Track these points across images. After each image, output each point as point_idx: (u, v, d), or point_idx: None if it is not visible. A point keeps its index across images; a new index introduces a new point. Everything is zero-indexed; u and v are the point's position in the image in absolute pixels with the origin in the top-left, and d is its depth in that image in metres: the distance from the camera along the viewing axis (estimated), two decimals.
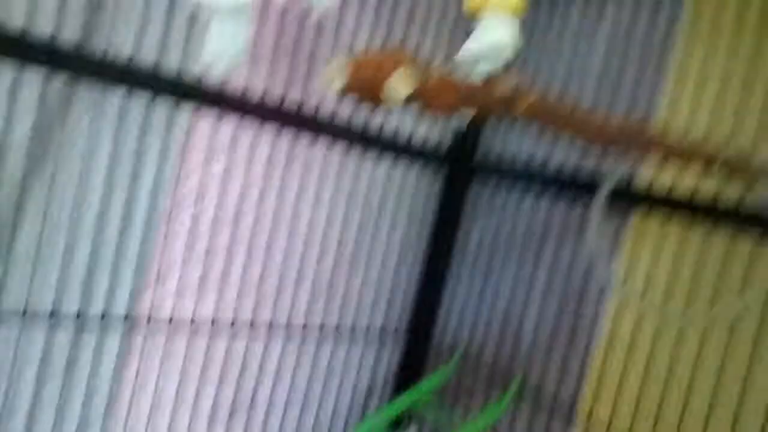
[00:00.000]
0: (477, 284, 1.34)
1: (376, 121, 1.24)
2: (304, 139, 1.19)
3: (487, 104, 0.54)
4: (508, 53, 0.74)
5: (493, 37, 0.71)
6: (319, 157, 1.22)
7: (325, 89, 0.56)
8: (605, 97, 1.18)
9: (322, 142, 1.21)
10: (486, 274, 1.33)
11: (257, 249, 1.18)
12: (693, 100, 1.06)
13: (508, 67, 0.71)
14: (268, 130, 1.15)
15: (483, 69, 0.73)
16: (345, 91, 0.46)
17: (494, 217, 1.33)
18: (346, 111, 1.20)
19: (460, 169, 1.36)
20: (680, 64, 1.09)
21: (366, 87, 0.47)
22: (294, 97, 1.16)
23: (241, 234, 1.16)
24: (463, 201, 1.37)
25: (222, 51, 0.61)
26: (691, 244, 1.03)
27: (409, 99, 0.49)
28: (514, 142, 1.30)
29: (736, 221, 0.96)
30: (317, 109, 1.17)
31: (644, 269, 1.09)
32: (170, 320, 1.11)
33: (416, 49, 1.28)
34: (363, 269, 1.31)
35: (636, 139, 0.72)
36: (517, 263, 1.27)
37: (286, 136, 1.17)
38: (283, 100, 1.14)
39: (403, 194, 1.33)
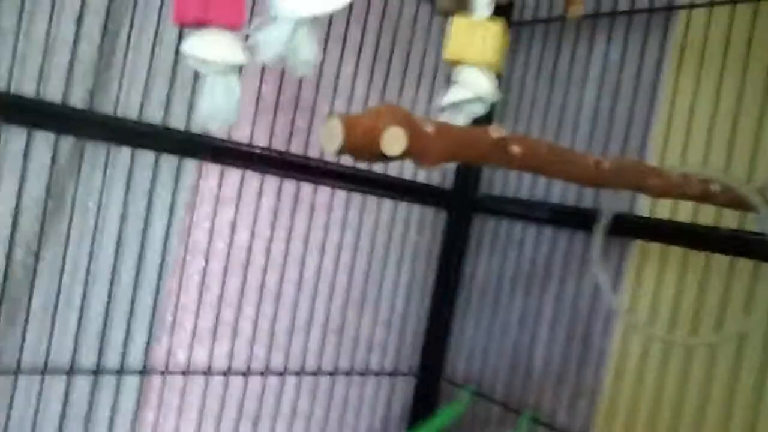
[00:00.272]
0: (485, 319, 1.35)
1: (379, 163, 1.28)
2: (309, 185, 1.22)
3: (480, 156, 0.57)
4: (486, 102, 0.77)
5: (471, 87, 0.74)
6: (324, 201, 1.24)
7: (324, 149, 0.58)
8: (599, 135, 1.20)
9: (327, 187, 1.24)
10: (493, 309, 1.34)
11: (267, 295, 1.21)
12: (684, 133, 1.09)
13: (494, 113, 0.74)
14: (273, 179, 1.18)
15: (463, 117, 0.76)
16: (342, 151, 0.49)
17: (498, 251, 1.35)
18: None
19: (462, 206, 1.38)
20: (670, 100, 1.12)
21: (361, 146, 0.50)
22: (297, 145, 1.19)
23: (250, 281, 1.19)
24: (468, 237, 1.39)
25: (214, 110, 0.65)
26: (693, 269, 1.05)
27: (403, 155, 0.51)
28: (514, 176, 1.33)
29: (735, 246, 0.98)
30: (321, 156, 1.20)
31: (648, 296, 1.11)
32: (184, 370, 1.13)
33: (410, 99, 1.31)
34: (372, 310, 1.33)
35: (631, 178, 0.74)
36: (523, 296, 1.29)
37: (291, 183, 1.20)
38: (285, 150, 1.17)
39: (408, 233, 1.36)
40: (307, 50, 0.61)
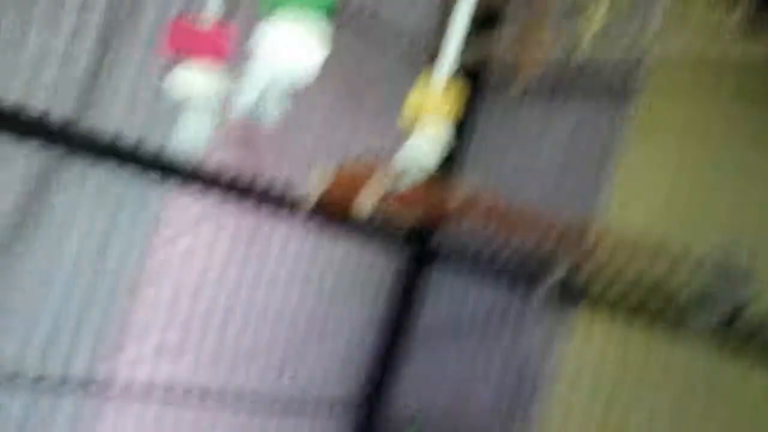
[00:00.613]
0: (429, 360, 1.38)
1: None
2: (268, 216, 1.24)
3: (442, 214, 0.60)
4: (438, 157, 0.80)
5: (427, 142, 0.78)
6: (282, 233, 1.27)
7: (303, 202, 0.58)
8: (554, 196, 1.24)
9: (285, 219, 1.26)
10: (438, 351, 1.37)
11: (215, 321, 1.22)
12: (636, 197, 1.14)
13: (450, 170, 0.75)
14: (234, 208, 1.20)
15: (417, 172, 0.80)
16: (318, 209, 0.53)
17: (447, 297, 1.37)
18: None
19: (417, 251, 1.41)
20: (625, 163, 1.17)
21: (336, 204, 0.53)
22: (263, 178, 1.22)
23: (200, 306, 1.20)
24: (418, 281, 1.42)
25: (186, 141, 0.67)
26: (635, 333, 1.09)
27: (373, 214, 0.55)
28: (468, 227, 1.36)
29: (677, 311, 1.01)
30: (284, 188, 1.24)
31: (589, 356, 1.14)
32: (129, 386, 1.14)
33: (378, 146, 1.34)
34: (318, 342, 1.34)
35: (579, 240, 0.79)
36: (467, 342, 1.32)
37: (252, 213, 1.22)
38: (252, 181, 1.20)
39: (359, 272, 1.38)
40: (277, 105, 0.63)
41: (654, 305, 1.05)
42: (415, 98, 0.80)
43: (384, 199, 0.51)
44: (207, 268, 1.20)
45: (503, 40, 1.21)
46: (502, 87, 1.35)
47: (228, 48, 0.69)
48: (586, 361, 1.15)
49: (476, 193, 0.64)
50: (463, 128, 0.99)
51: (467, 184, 0.78)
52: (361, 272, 1.39)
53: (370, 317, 1.43)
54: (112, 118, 1.06)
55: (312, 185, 0.47)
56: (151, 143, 1.10)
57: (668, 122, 1.15)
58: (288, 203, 1.25)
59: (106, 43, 1.03)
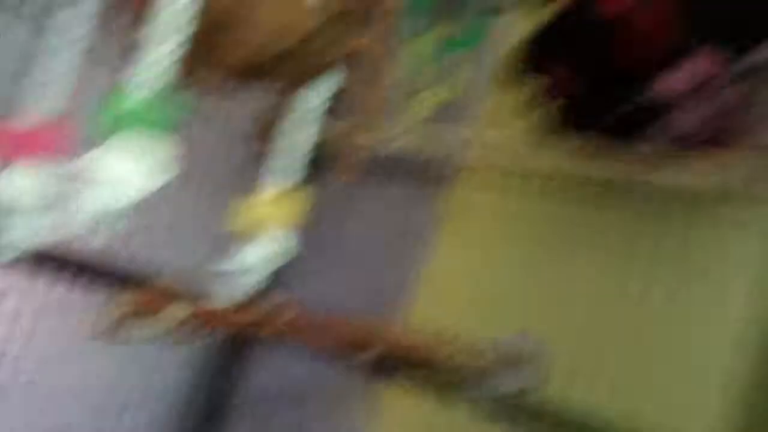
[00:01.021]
0: None
1: None
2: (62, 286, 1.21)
3: (242, 327, 0.64)
4: (273, 266, 0.78)
5: (262, 251, 0.75)
6: (78, 306, 1.23)
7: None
8: (369, 287, 1.29)
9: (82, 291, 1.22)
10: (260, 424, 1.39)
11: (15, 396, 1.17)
12: (442, 291, 1.20)
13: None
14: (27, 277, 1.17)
15: (245, 284, 0.80)
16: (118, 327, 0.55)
17: (269, 370, 1.39)
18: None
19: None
20: (435, 257, 1.24)
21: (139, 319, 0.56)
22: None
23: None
24: (236, 358, 1.43)
25: (18, 240, 0.66)
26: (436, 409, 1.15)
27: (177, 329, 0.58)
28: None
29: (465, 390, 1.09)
30: (82, 258, 1.20)
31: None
32: None
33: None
34: (121, 419, 1.32)
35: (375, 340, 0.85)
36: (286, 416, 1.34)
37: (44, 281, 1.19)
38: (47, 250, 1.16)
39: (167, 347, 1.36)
40: (113, 225, 0.63)
41: (443, 385, 1.10)
42: (249, 205, 0.78)
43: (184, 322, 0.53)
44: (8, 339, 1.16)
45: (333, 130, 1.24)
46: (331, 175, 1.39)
47: (59, 144, 0.67)
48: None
49: (278, 307, 0.67)
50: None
51: (273, 297, 0.80)
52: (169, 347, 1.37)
53: (180, 390, 1.41)
54: None
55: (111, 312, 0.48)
56: None
57: (476, 218, 1.23)
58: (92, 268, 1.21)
59: None
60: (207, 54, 0.73)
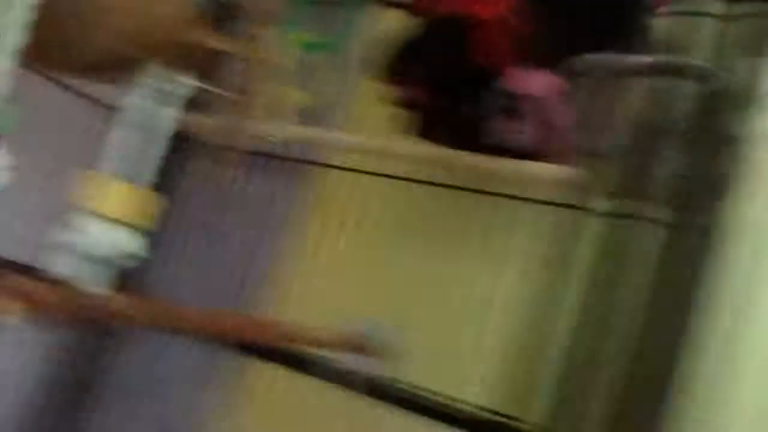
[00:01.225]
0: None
1: None
2: None
3: (104, 315, 0.64)
4: (124, 256, 0.75)
5: (109, 235, 0.72)
6: None
7: None
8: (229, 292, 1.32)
9: None
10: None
11: None
12: (304, 290, 1.23)
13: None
14: None
15: (98, 276, 0.79)
16: None
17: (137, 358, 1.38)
18: None
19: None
20: (300, 249, 1.26)
21: None
22: None
23: None
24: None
25: None
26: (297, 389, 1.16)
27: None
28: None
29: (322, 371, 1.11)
30: None
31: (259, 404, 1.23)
32: None
33: None
34: None
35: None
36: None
37: None
38: None
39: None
40: None
41: (303, 368, 1.12)
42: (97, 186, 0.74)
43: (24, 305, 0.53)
44: None
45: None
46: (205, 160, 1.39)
47: None
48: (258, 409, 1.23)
49: (138, 297, 0.67)
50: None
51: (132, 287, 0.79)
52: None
53: (42, 377, 1.36)
54: None
55: None
56: None
57: (338, 211, 1.28)
58: None
59: None
60: (60, 41, 0.71)
